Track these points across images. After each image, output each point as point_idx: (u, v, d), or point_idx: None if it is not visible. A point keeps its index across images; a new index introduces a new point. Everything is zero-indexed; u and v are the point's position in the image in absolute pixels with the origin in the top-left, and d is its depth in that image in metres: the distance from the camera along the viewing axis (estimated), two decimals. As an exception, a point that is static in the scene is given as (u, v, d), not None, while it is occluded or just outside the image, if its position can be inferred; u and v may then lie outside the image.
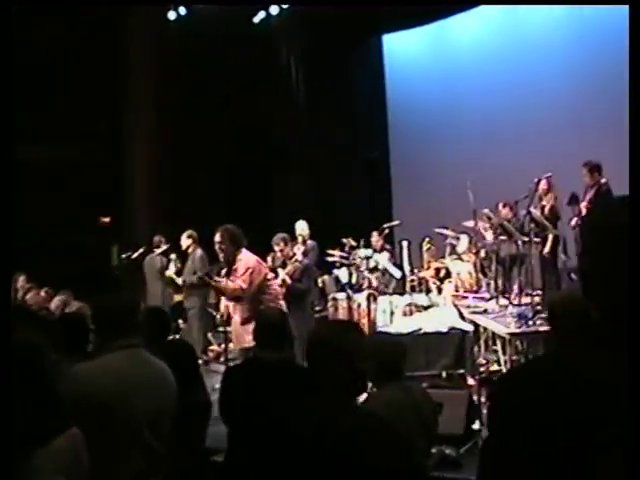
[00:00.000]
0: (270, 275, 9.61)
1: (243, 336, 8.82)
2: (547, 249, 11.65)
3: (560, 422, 1.80)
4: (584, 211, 11.12)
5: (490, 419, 2.03)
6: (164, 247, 13.42)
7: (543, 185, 11.61)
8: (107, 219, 17.66)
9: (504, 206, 12.85)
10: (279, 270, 11.35)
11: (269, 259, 11.70)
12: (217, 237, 9.38)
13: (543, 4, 15.93)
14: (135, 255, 14.06)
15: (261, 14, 18.00)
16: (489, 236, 12.75)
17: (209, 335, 13.35)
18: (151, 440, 4.49)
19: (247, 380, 5.34)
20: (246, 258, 9.25)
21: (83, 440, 3.64)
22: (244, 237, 9.37)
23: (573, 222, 11.42)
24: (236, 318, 9.35)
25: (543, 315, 9.82)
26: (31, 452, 3.37)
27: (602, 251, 1.92)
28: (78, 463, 3.60)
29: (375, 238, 14.30)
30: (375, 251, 13.92)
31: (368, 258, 13.32)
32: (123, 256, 14.37)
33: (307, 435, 3.97)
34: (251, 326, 8.22)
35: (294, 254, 11.57)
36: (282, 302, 9.36)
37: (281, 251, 11.55)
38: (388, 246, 14.58)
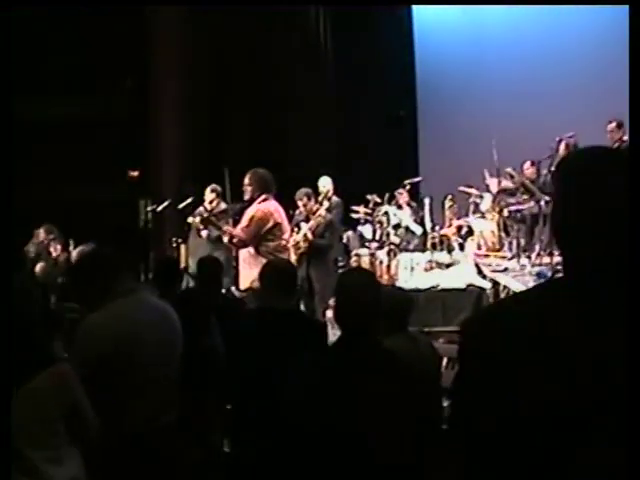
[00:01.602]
0: (284, 227, 9.43)
1: (245, 279, 8.96)
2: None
3: (524, 365, 1.83)
4: None
5: (459, 359, 2.05)
6: (189, 200, 13.35)
7: (564, 145, 11.59)
8: (135, 173, 17.71)
9: (531, 165, 12.85)
10: (302, 224, 11.37)
11: (296, 213, 11.69)
12: (246, 179, 9.42)
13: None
14: (160, 208, 14.08)
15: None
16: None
17: (232, 289, 13.39)
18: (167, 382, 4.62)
19: (256, 329, 5.41)
20: (258, 206, 9.22)
21: (71, 376, 3.79)
22: (274, 184, 9.33)
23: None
24: (240, 262, 9.47)
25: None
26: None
27: (565, 198, 1.96)
28: (61, 399, 3.71)
29: (400, 194, 14.31)
30: (399, 207, 13.95)
31: (391, 214, 13.37)
32: (149, 209, 14.43)
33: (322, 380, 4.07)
34: (251, 273, 8.51)
35: (317, 209, 11.59)
36: (284, 256, 9.15)
37: (304, 206, 11.48)
38: (413, 202, 14.60)
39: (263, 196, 9.23)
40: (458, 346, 2.07)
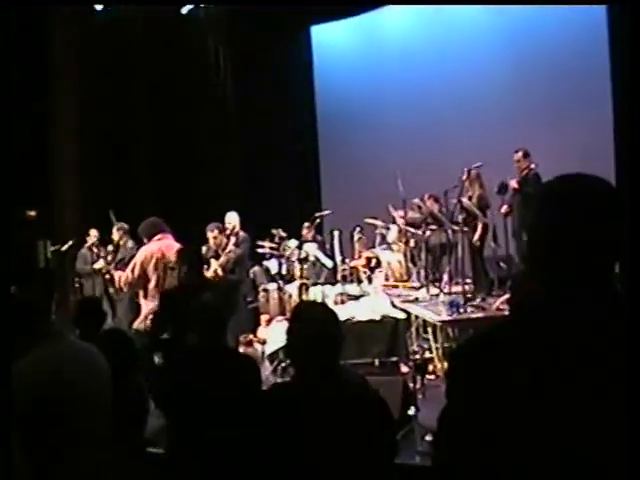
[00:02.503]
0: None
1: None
2: (477, 237, 11.77)
3: (522, 387, 1.84)
4: (513, 191, 11.42)
5: (450, 387, 2.06)
6: (93, 239, 13.26)
7: (470, 174, 11.71)
8: (33, 212, 17.41)
9: (429, 197, 12.98)
10: (212, 261, 11.37)
11: (204, 249, 11.66)
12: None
13: (530, 4, 16.14)
14: (65, 248, 13.92)
15: (189, 5, 17.86)
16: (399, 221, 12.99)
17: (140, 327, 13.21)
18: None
19: (189, 368, 5.34)
20: (142, 248, 9.51)
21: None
22: (157, 226, 9.41)
23: (503, 209, 11.57)
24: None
25: (474, 303, 9.98)
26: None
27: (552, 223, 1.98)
28: None
29: (306, 229, 14.35)
30: (306, 241, 13.96)
31: (299, 248, 13.36)
32: (52, 249, 14.22)
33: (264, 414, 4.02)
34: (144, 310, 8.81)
35: (227, 245, 11.55)
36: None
37: (214, 238, 11.53)
38: (319, 237, 14.64)
39: (155, 237, 9.35)
40: (449, 373, 2.09)
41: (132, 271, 9.26)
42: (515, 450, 1.84)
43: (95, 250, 13.23)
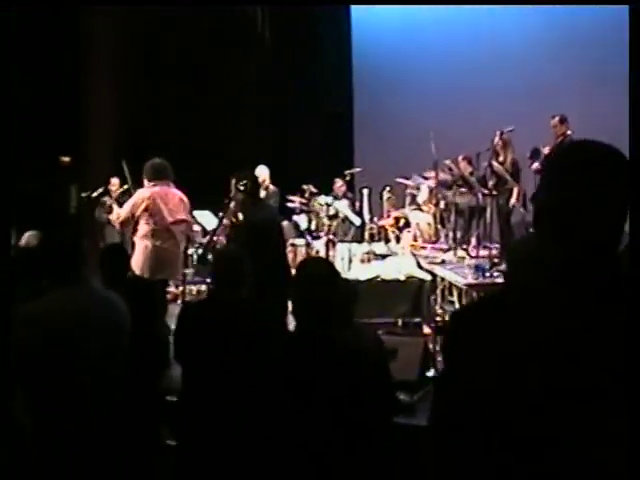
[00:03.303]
0: (157, 213, 9.25)
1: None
2: (513, 201, 11.68)
3: (516, 355, 1.83)
4: (545, 157, 11.25)
5: (445, 352, 2.05)
6: (121, 189, 13.32)
7: (502, 138, 11.62)
8: (67, 159, 17.47)
9: (463, 159, 12.91)
10: (239, 214, 11.28)
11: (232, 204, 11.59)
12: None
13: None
14: (95, 195, 13.99)
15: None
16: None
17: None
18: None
19: (203, 317, 5.35)
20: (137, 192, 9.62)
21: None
22: (164, 173, 9.38)
23: (534, 166, 11.42)
24: None
25: (500, 267, 9.94)
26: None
27: (574, 184, 1.95)
28: None
29: (338, 184, 14.34)
30: (336, 198, 13.94)
31: (328, 205, 13.32)
32: (83, 195, 14.27)
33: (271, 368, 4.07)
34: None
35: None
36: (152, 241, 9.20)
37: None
38: (350, 194, 14.62)
39: (151, 183, 9.27)
40: (446, 337, 2.08)
41: (124, 211, 9.37)
42: (509, 416, 1.84)
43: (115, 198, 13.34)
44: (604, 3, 14.08)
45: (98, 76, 17.36)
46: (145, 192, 9.28)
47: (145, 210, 9.12)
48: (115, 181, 13.85)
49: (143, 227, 9.17)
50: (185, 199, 9.50)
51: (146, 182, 9.37)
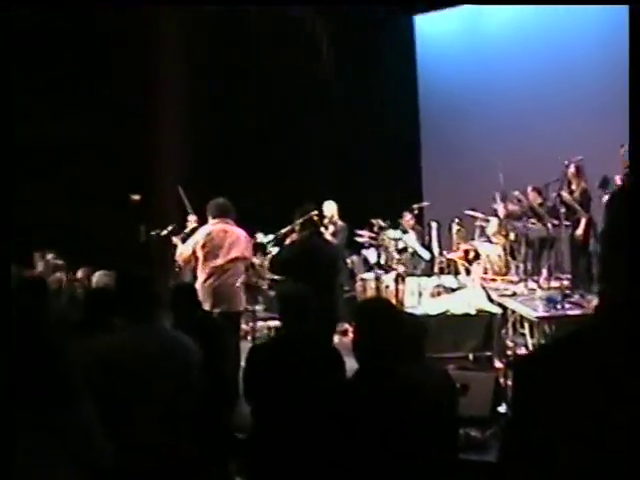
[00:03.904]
0: (210, 250, 9.61)
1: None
2: (580, 232, 11.56)
3: (585, 404, 1.78)
4: (616, 186, 11.09)
5: (513, 399, 2.02)
6: (193, 225, 13.45)
7: (573, 168, 11.51)
8: (137, 197, 17.68)
9: (532, 190, 12.81)
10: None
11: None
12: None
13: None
14: (165, 232, 14.13)
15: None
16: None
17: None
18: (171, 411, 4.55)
19: (271, 358, 5.36)
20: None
21: (90, 418, 3.59)
22: (223, 210, 9.68)
23: (605, 199, 11.28)
24: None
25: (572, 299, 9.80)
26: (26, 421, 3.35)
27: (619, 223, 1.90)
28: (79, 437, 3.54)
29: (407, 218, 14.30)
30: (405, 232, 13.90)
31: (397, 239, 13.28)
32: (153, 233, 14.41)
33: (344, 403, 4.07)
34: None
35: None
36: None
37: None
38: (419, 227, 14.58)
39: (213, 221, 9.65)
40: (515, 380, 2.04)
41: (185, 249, 9.79)
42: (580, 459, 1.78)
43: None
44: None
45: (164, 115, 17.59)
46: (205, 230, 9.64)
47: (204, 248, 9.44)
48: (192, 218, 13.92)
49: (203, 264, 9.48)
50: (245, 236, 9.78)
51: (209, 219, 9.69)
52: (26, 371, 3.32)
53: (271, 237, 11.16)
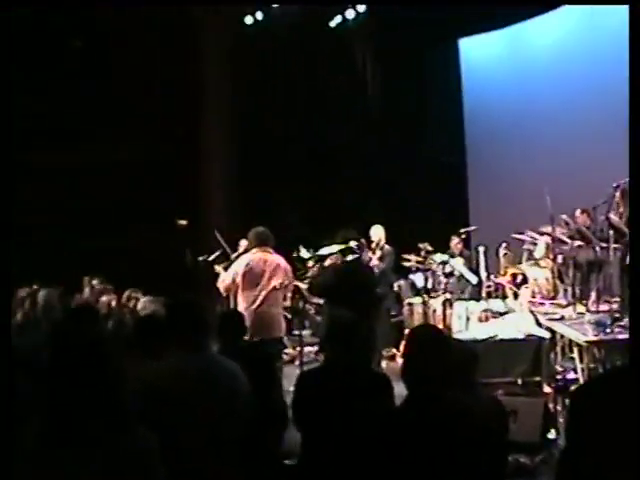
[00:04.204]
0: (249, 278, 9.89)
1: None
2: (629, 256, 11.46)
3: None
4: None
5: (568, 430, 2.01)
6: (240, 251, 13.48)
7: (621, 190, 11.42)
8: (184, 222, 17.78)
9: (582, 212, 12.71)
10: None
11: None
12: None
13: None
14: (212, 257, 14.17)
15: (337, 18, 17.97)
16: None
17: (284, 338, 13.23)
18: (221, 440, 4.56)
19: (321, 383, 5.36)
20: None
21: (150, 447, 3.61)
22: (261, 239, 10.01)
23: None
24: None
25: (622, 323, 9.68)
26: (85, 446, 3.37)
27: None
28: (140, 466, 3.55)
29: (455, 242, 14.25)
30: (452, 256, 13.85)
31: (444, 263, 13.24)
32: (200, 258, 14.45)
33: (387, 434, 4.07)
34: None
35: (370, 259, 11.55)
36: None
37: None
38: (466, 251, 14.53)
39: (253, 250, 10.03)
40: (569, 412, 2.03)
41: (226, 277, 10.21)
42: None
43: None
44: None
45: (211, 139, 17.72)
46: (245, 260, 10.00)
47: (244, 277, 9.78)
48: (244, 243, 13.98)
49: (243, 293, 9.82)
50: (284, 264, 10.05)
51: (249, 248, 10.18)
52: (88, 397, 3.36)
53: (312, 254, 11.26)
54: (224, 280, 10.18)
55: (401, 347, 12.28)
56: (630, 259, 1.80)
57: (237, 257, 12.30)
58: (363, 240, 11.54)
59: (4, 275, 4.45)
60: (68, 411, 3.35)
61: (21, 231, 16.97)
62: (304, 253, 11.65)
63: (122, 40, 17.70)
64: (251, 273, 9.77)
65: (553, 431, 7.35)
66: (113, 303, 11.78)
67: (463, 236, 14.31)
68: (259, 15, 17.54)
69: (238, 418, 4.73)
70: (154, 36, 17.52)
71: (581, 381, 9.69)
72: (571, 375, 10.05)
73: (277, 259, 9.99)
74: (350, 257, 10.01)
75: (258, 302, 9.68)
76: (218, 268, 12.97)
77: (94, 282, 12.97)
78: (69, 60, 17.82)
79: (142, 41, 17.65)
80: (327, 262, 10.60)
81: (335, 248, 10.04)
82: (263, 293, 9.73)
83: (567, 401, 8.70)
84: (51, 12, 16.59)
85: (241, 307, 9.64)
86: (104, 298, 12.14)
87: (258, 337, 9.18)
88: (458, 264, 13.50)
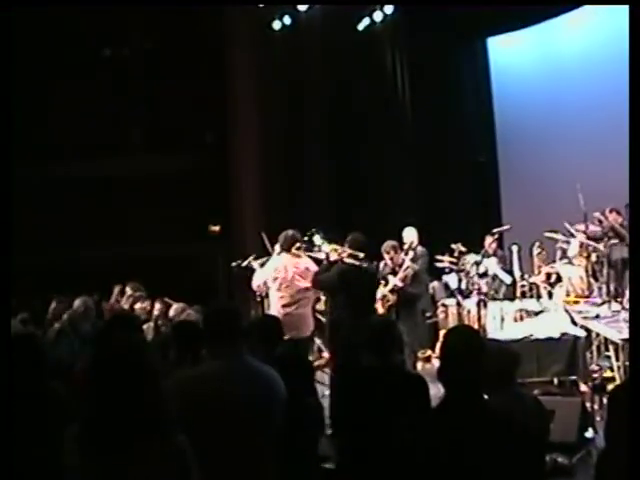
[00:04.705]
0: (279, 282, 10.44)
1: None
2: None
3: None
4: None
5: (607, 431, 2.02)
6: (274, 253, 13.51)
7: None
8: (217, 228, 17.86)
9: (611, 211, 12.66)
10: (389, 277, 11.41)
11: (381, 265, 11.69)
12: None
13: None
14: (245, 263, 14.15)
15: (365, 21, 17.94)
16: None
17: (318, 341, 13.23)
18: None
19: (359, 386, 5.39)
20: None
21: (186, 452, 3.67)
22: (288, 241, 10.54)
23: None
24: None
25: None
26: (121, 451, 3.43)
27: None
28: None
29: (488, 242, 14.18)
30: (485, 256, 13.80)
31: (478, 263, 13.20)
32: (234, 264, 14.45)
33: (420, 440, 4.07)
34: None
35: (403, 261, 11.55)
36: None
37: (391, 259, 11.55)
38: (500, 251, 14.47)
39: (283, 253, 10.63)
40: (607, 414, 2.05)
41: (257, 279, 10.92)
42: None
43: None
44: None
45: (244, 146, 17.78)
46: (275, 263, 10.57)
47: (275, 280, 10.31)
48: (277, 248, 14.06)
49: (273, 293, 10.40)
50: (312, 267, 10.47)
51: (280, 251, 10.65)
52: (128, 404, 3.42)
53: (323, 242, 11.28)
54: (256, 280, 10.84)
55: (436, 348, 12.30)
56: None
57: (267, 260, 12.37)
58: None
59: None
60: (108, 417, 3.41)
61: (50, 243, 17.21)
62: (317, 240, 11.58)
63: (154, 51, 17.84)
64: (281, 276, 10.26)
65: (590, 430, 7.32)
66: (150, 310, 11.88)
67: (496, 236, 14.23)
68: (287, 20, 17.55)
69: (275, 422, 4.76)
70: (185, 47, 17.63)
71: (618, 380, 9.67)
72: (607, 374, 10.03)
73: (307, 262, 10.45)
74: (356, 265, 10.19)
75: (288, 304, 10.16)
76: (255, 264, 12.94)
77: (127, 289, 13.02)
78: (100, 71, 17.98)
79: (174, 52, 17.77)
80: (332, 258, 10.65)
81: (345, 250, 10.24)
82: (292, 294, 10.19)
83: (604, 400, 8.69)
84: (80, 21, 16.75)
85: (273, 308, 10.15)
86: (138, 305, 12.23)
87: (288, 337, 9.26)
88: (492, 264, 13.45)
